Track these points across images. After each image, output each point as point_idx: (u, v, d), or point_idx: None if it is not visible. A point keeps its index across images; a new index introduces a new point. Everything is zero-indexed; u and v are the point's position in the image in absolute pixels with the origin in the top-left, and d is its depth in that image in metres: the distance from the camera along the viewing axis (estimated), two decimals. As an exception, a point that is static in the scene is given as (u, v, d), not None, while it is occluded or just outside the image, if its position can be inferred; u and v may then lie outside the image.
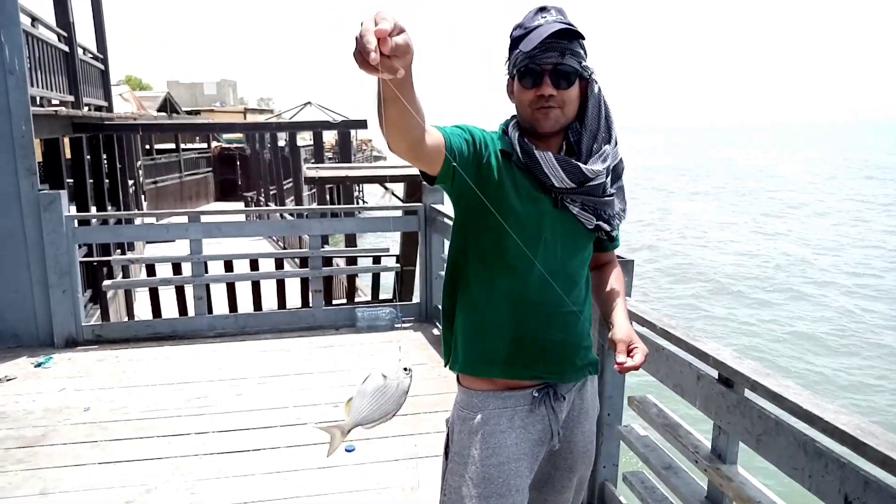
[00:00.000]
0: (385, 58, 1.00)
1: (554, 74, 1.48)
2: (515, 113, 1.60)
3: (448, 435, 1.61)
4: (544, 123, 1.51)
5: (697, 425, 2.13)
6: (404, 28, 1.02)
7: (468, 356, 1.59)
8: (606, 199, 1.57)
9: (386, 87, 1.12)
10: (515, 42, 1.52)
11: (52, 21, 8.84)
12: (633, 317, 2.29)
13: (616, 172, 1.60)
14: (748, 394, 1.74)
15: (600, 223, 1.57)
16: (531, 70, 1.49)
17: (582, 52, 1.52)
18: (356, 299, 6.16)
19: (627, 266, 2.49)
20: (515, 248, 1.50)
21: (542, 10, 1.52)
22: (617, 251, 1.81)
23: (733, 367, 1.77)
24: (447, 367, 1.67)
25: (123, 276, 9.09)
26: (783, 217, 29.01)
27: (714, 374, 1.89)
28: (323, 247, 5.15)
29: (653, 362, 2.22)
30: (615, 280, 1.74)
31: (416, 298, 5.57)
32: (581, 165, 1.52)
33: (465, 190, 1.48)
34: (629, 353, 1.52)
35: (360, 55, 0.99)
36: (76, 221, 4.63)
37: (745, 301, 15.82)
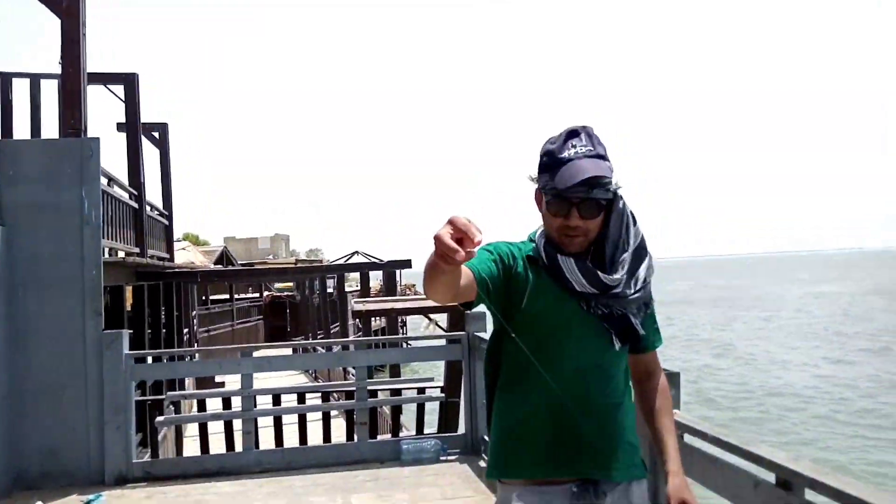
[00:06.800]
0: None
1: (581, 208, 1.57)
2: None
3: None
4: (569, 248, 1.61)
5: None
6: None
7: (507, 460, 1.59)
8: (632, 298, 1.62)
9: (448, 264, 1.29)
10: (544, 166, 1.60)
11: (125, 181, 9.70)
12: (685, 427, 2.25)
13: (649, 271, 1.66)
14: (808, 494, 1.66)
15: (618, 339, 1.61)
16: (559, 200, 1.57)
17: (609, 173, 1.58)
18: (400, 435, 6.05)
19: (673, 379, 2.46)
20: (548, 348, 1.56)
21: (572, 134, 1.57)
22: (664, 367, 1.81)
23: (790, 468, 1.71)
24: (488, 477, 1.68)
25: (175, 413, 9.17)
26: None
27: (771, 478, 1.81)
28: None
29: (709, 475, 2.14)
30: (659, 399, 1.74)
31: (461, 429, 5.45)
32: (599, 274, 1.58)
33: (499, 301, 1.58)
34: None
35: (446, 255, 1.21)
36: (133, 359, 4.82)
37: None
